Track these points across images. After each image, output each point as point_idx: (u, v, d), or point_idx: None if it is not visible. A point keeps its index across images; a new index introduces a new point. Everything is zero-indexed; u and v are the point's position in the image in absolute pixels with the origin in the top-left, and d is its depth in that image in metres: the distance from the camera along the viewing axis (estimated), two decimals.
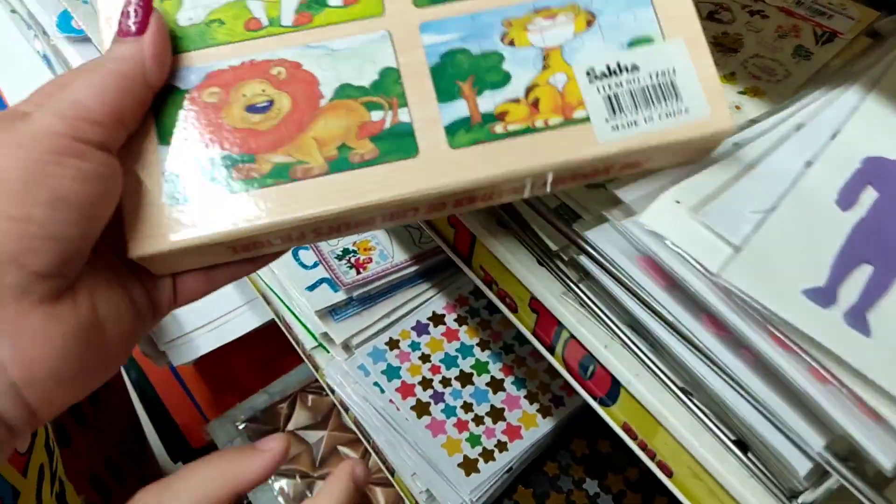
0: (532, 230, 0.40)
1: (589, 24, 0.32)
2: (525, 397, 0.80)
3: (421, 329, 0.85)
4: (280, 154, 0.31)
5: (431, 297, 0.88)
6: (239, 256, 0.33)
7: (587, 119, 0.31)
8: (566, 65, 0.32)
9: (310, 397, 1.08)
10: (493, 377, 0.81)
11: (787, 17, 0.54)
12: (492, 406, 0.78)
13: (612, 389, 0.37)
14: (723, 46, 0.51)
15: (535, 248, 0.40)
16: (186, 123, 0.31)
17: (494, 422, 0.77)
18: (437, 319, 0.86)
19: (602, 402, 0.39)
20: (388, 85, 0.31)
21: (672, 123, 0.31)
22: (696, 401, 0.34)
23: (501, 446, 0.75)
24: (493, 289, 0.43)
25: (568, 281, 0.38)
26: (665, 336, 0.33)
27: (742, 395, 0.31)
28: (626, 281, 0.34)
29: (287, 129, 0.31)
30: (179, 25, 0.32)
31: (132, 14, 0.30)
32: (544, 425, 0.77)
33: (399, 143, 0.31)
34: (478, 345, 0.84)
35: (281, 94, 0.31)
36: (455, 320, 0.86)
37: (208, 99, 0.31)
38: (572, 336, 0.38)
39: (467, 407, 0.78)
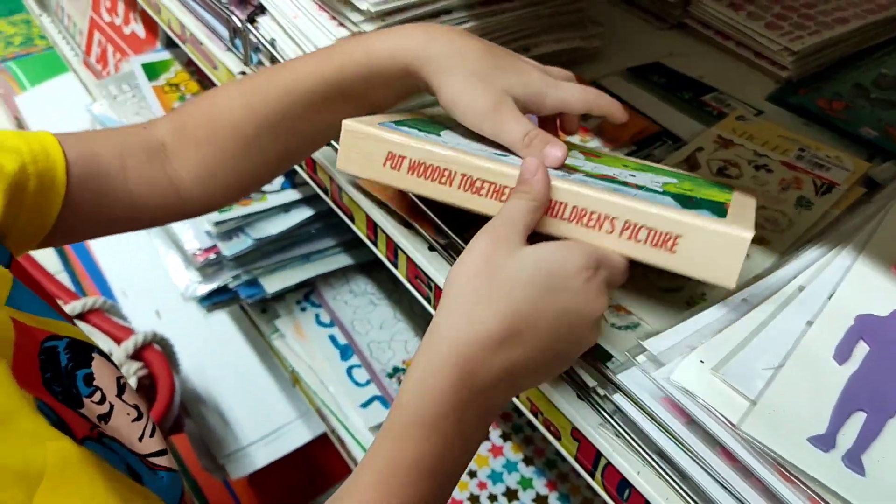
0: (573, 368, 0.46)
1: None
2: None
3: None
4: None
5: None
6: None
7: None
8: None
9: None
10: (538, 493, 0.85)
11: (789, 171, 0.61)
12: None
13: None
14: None
15: (575, 384, 0.46)
16: None
17: None
18: None
19: None
20: None
21: None
22: None
23: None
24: (539, 418, 0.49)
25: (604, 413, 0.44)
26: (687, 464, 0.39)
27: None
28: (653, 415, 0.39)
29: None
30: None
31: None
32: None
33: None
34: (522, 461, 0.88)
35: None
36: (500, 436, 0.91)
37: None
38: (609, 462, 0.43)
39: None
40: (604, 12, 0.83)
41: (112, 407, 0.40)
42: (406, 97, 0.52)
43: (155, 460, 0.42)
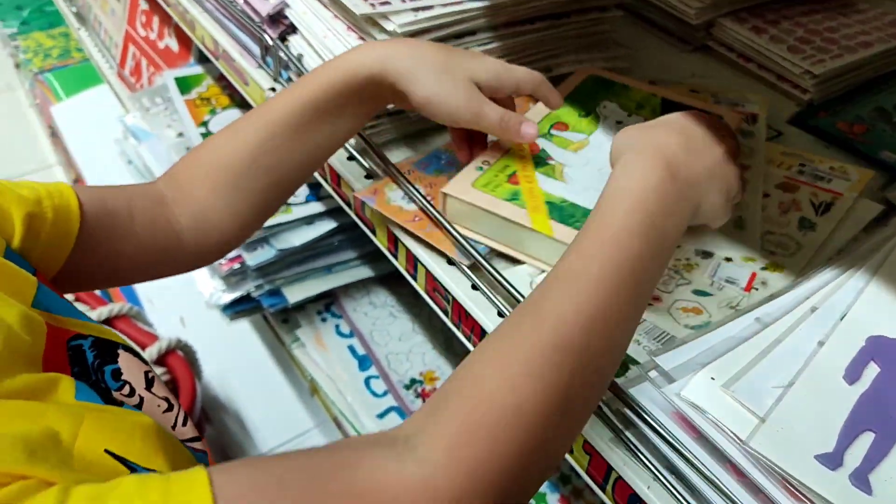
0: None
1: None
2: None
3: None
4: None
5: None
6: None
7: None
8: None
9: None
10: None
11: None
12: None
13: None
14: None
15: None
16: None
17: None
18: None
19: None
20: None
21: None
22: None
23: None
24: None
25: (615, 427, 0.45)
26: (694, 478, 0.39)
27: None
28: (662, 431, 0.40)
29: None
30: None
31: None
32: None
33: None
34: None
35: None
36: None
37: None
38: (620, 477, 0.44)
39: None
40: (627, 34, 0.84)
41: (142, 399, 0.42)
42: (377, 111, 0.56)
43: (190, 445, 0.43)
